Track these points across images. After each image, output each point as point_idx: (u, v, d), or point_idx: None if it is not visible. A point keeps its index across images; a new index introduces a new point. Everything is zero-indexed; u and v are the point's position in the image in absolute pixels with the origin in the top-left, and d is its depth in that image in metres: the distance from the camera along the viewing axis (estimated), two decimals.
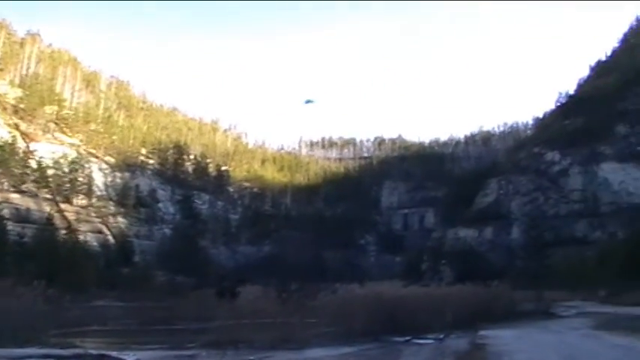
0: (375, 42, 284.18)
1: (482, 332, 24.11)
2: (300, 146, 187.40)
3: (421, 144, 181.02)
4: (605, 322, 30.23)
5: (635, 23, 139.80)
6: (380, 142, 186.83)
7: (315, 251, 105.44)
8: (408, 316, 24.09)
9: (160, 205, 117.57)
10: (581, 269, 76.55)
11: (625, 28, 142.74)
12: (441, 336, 22.46)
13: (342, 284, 55.17)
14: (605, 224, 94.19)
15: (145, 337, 25.48)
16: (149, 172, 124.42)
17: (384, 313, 23.45)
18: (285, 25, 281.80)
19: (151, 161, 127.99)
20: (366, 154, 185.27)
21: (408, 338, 21.50)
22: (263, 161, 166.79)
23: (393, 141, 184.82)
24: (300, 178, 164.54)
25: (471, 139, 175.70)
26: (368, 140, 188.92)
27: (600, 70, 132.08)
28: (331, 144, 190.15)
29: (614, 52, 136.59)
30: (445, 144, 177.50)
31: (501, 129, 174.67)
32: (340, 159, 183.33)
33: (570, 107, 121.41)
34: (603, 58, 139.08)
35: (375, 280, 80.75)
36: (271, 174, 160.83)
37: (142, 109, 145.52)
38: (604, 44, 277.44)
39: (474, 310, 27.95)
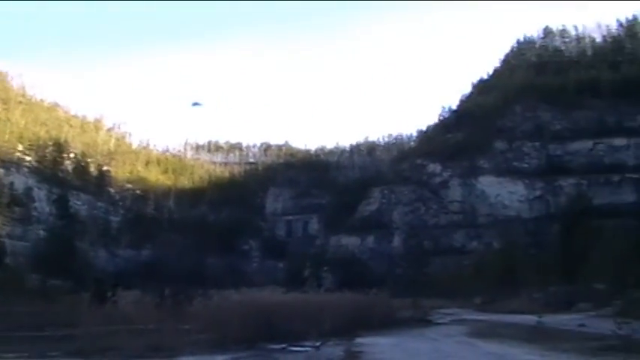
0: (264, 48, 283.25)
1: (359, 340, 24.15)
2: (185, 149, 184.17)
3: (307, 151, 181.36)
4: (479, 329, 31.11)
5: (515, 45, 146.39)
6: (266, 147, 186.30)
7: (196, 256, 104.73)
8: (285, 323, 23.82)
9: (36, 204, 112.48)
10: (459, 278, 79.08)
11: (507, 49, 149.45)
12: (318, 344, 22.18)
13: (223, 290, 54.34)
14: (482, 235, 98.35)
15: (7, 344, 23.94)
16: (25, 169, 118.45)
17: (259, 320, 23.09)
18: (174, 27, 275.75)
19: (28, 158, 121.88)
20: (252, 160, 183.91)
21: (283, 346, 21.20)
22: (147, 163, 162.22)
23: (279, 147, 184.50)
24: (184, 182, 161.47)
25: (356, 149, 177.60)
26: (254, 145, 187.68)
27: (482, 87, 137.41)
28: (217, 148, 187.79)
29: (495, 72, 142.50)
30: (331, 152, 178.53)
31: (386, 140, 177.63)
32: (226, 163, 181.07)
33: (452, 122, 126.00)
34: (485, 77, 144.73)
35: (258, 286, 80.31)
36: (155, 176, 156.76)
37: (20, 102, 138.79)
38: (486, 63, 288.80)
39: (352, 317, 27.89)
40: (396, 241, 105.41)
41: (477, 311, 54.76)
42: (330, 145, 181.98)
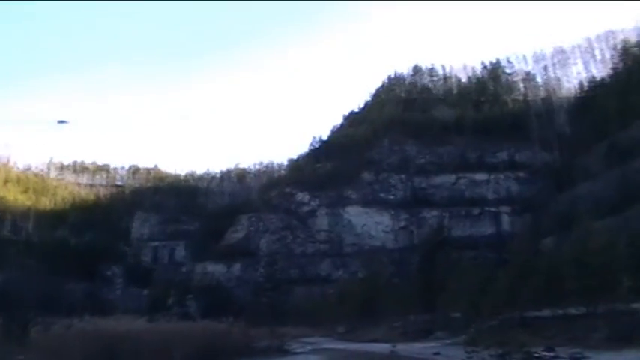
0: (134, 69, 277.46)
1: None
2: (49, 168, 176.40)
3: (177, 176, 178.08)
4: (334, 358, 31.19)
5: (386, 81, 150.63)
6: (134, 170, 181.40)
7: (54, 281, 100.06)
8: (131, 354, 22.89)
9: None
10: (323, 306, 79.52)
11: (378, 84, 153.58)
12: None
13: (81, 317, 51.96)
14: (348, 264, 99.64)
15: None
16: None
17: (102, 350, 22.07)
18: (39, 41, 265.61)
19: None
20: (119, 182, 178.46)
21: None
22: (6, 181, 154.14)
23: (148, 171, 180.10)
24: (46, 202, 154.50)
25: (226, 175, 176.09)
26: (122, 168, 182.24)
27: (352, 120, 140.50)
28: (83, 169, 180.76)
29: (366, 105, 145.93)
30: (201, 178, 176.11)
31: (257, 167, 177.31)
32: (92, 185, 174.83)
33: (322, 152, 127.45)
34: (356, 110, 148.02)
35: (121, 314, 77.47)
36: (14, 195, 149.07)
37: None
38: (357, 97, 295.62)
39: (205, 347, 27.06)
40: (262, 269, 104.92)
41: (339, 340, 55.16)
42: (200, 170, 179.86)
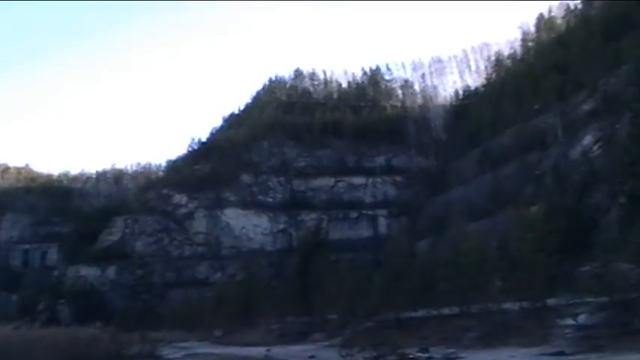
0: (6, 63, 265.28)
1: None
2: None
3: (50, 176, 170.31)
4: None
5: (267, 83, 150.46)
6: (4, 169, 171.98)
7: None
8: None
9: None
10: (201, 310, 78.27)
11: (259, 87, 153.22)
12: None
13: None
14: (226, 267, 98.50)
15: None
16: None
17: None
18: None
19: None
20: None
21: None
22: None
23: (18, 170, 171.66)
24: None
25: (102, 176, 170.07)
26: None
27: (232, 122, 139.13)
28: None
29: (247, 107, 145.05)
30: (75, 178, 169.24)
31: (134, 168, 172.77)
32: None
33: (201, 153, 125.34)
34: (236, 112, 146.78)
35: None
36: None
37: None
38: (238, 99, 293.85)
39: (68, 355, 25.85)
40: (138, 272, 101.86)
41: (215, 344, 54.55)
42: (74, 170, 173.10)
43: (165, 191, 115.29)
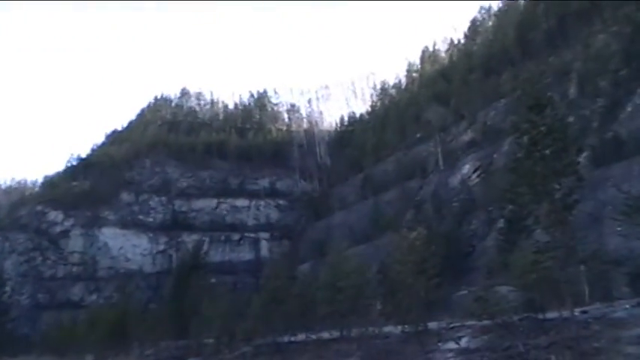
0: None
1: None
2: None
3: None
4: None
5: (153, 101, 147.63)
6: None
7: None
8: None
9: None
10: (73, 333, 74.83)
11: (143, 104, 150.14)
12: None
13: None
14: (102, 288, 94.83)
15: None
16: None
17: None
18: None
19: None
20: None
21: None
22: None
23: None
24: None
25: None
26: None
27: (115, 139, 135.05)
28: None
29: (130, 125, 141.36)
30: None
31: (8, 183, 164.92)
32: None
33: (80, 170, 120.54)
34: (119, 129, 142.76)
35: None
36: None
37: None
38: (122, 116, 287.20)
39: None
40: (8, 293, 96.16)
41: None
42: None
43: (39, 208, 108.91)
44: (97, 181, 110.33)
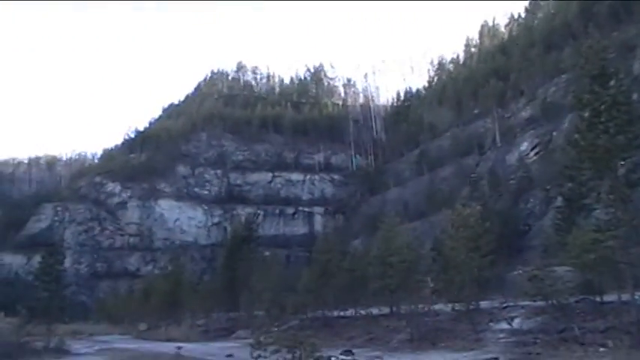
0: None
1: None
2: None
3: None
4: (118, 359, 29.00)
5: (209, 75, 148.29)
6: None
7: None
8: None
9: None
10: (129, 302, 76.09)
11: (200, 78, 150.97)
12: None
13: None
14: (158, 259, 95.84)
15: None
16: None
17: None
18: None
19: None
20: None
21: None
22: None
23: None
24: None
25: (35, 162, 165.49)
26: None
27: (172, 112, 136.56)
28: None
29: (187, 98, 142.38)
30: (5, 163, 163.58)
31: (68, 156, 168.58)
32: None
33: (137, 143, 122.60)
34: (176, 102, 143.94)
35: None
36: None
37: None
38: (179, 90, 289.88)
39: None
40: (67, 261, 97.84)
41: (138, 338, 52.77)
42: (4, 155, 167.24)
43: (98, 179, 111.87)
44: (154, 154, 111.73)
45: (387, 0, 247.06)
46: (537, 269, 32.55)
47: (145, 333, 60.07)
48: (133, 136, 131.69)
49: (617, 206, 24.89)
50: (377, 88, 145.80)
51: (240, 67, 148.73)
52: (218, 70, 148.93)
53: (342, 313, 51.14)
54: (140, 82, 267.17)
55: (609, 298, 28.43)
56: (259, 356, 21.10)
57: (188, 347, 35.49)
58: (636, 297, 24.62)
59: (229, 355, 30.97)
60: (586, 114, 25.84)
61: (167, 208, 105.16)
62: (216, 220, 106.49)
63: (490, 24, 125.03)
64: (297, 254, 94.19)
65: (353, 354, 33.36)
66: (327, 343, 33.64)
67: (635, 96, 25.84)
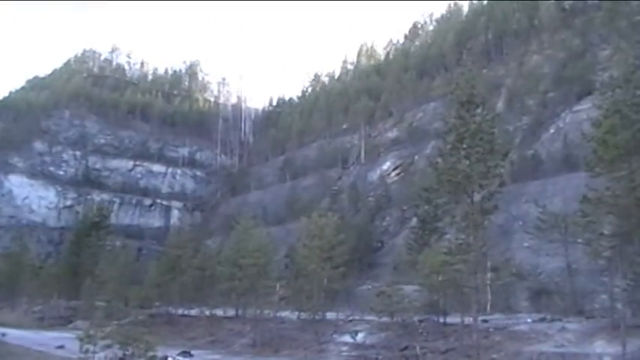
0: None
1: None
2: None
3: None
4: None
5: (81, 52, 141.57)
6: None
7: None
8: None
9: None
10: None
11: (71, 54, 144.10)
12: None
13: None
14: (0, 237, 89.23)
15: None
16: None
17: None
18: None
19: None
20: None
21: None
22: None
23: None
24: None
25: None
26: None
27: (35, 85, 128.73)
28: None
29: (54, 72, 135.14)
30: None
31: None
32: None
33: None
34: (42, 75, 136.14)
35: None
36: None
37: None
38: (46, 63, 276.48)
39: None
40: None
41: None
42: None
43: None
44: (10, 126, 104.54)
45: (274, 2, 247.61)
46: (386, 286, 33.21)
47: None
48: None
49: (470, 232, 25.72)
50: (250, 90, 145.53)
51: (114, 49, 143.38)
52: (91, 48, 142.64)
53: (186, 312, 50.31)
54: (4, 52, 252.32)
55: (452, 319, 29.26)
56: (88, 351, 19.99)
57: (16, 334, 33.50)
58: (478, 321, 25.49)
59: (60, 347, 29.50)
60: (450, 138, 26.56)
61: (17, 184, 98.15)
62: (68, 202, 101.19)
63: (369, 45, 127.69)
64: (150, 247, 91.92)
65: (192, 355, 32.62)
66: (168, 342, 32.88)
67: (496, 132, 26.74)
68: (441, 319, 31.28)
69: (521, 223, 41.99)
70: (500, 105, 64.03)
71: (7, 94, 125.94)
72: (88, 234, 63.19)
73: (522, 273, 33.14)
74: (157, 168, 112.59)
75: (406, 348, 28.40)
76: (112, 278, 50.70)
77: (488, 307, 32.94)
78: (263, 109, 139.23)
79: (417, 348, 27.27)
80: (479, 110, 26.31)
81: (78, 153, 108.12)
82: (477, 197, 25.77)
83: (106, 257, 55.19)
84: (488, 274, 28.37)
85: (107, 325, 31.36)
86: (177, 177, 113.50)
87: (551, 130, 56.42)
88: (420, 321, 31.22)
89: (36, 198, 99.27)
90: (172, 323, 47.97)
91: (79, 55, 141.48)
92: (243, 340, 37.82)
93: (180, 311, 50.33)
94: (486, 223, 26.37)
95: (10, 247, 70.57)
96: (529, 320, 28.85)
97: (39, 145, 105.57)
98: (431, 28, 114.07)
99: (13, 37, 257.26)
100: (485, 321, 28.27)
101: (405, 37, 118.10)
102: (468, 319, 27.02)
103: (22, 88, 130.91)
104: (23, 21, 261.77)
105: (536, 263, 36.88)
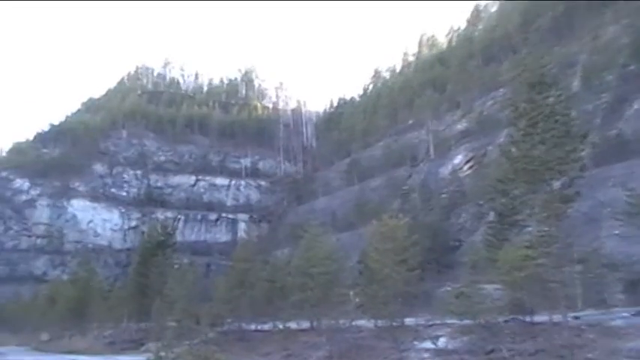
0: None
1: None
2: None
3: None
4: None
5: (133, 70, 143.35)
6: None
7: None
8: None
9: None
10: (31, 309, 71.35)
11: (124, 73, 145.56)
12: None
13: None
14: (68, 263, 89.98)
15: None
16: None
17: None
18: None
19: None
20: None
21: None
22: None
23: None
24: None
25: None
26: None
27: (91, 106, 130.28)
28: None
29: (108, 92, 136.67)
30: None
31: None
32: None
33: (51, 137, 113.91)
34: (96, 97, 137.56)
35: None
36: None
37: None
38: (100, 84, 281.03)
39: None
40: None
41: (36, 350, 49.12)
42: None
43: (4, 174, 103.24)
44: (69, 150, 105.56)
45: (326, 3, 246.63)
46: (465, 286, 30.84)
47: (46, 344, 56.16)
48: (46, 129, 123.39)
49: (551, 222, 23.59)
50: (310, 93, 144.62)
51: (166, 64, 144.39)
52: (143, 65, 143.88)
53: (259, 327, 48.82)
54: (59, 76, 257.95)
55: (540, 318, 27.11)
56: None
57: None
58: (568, 318, 23.19)
59: None
60: (522, 123, 24.55)
61: (80, 208, 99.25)
62: (133, 223, 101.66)
63: (429, 34, 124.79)
64: (218, 262, 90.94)
65: None
66: (241, 359, 31.39)
67: (573, 113, 24.33)
68: (528, 319, 28.87)
69: (609, 209, 38.85)
70: (575, 84, 60.28)
71: (63, 119, 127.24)
72: (154, 254, 62.18)
73: (615, 263, 30.45)
74: (220, 181, 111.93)
75: (492, 351, 26.18)
76: (181, 297, 49.42)
77: (579, 303, 30.41)
78: (324, 112, 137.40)
79: (504, 350, 25.09)
80: (552, 91, 23.99)
81: (139, 172, 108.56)
82: (556, 185, 23.59)
83: (174, 276, 54.02)
84: (576, 267, 25.98)
85: (178, 345, 29.99)
86: (242, 188, 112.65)
87: (635, 106, 52.49)
88: (505, 321, 28.91)
89: (100, 221, 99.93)
90: (245, 339, 46.48)
91: (132, 72, 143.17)
92: (319, 353, 36.00)
93: (252, 326, 48.83)
94: (569, 212, 24.04)
95: (78, 272, 70.75)
96: (625, 314, 26.24)
97: (99, 167, 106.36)
98: (494, 9, 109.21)
99: (65, 60, 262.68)
100: (576, 318, 25.78)
101: (467, 22, 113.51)
102: (557, 317, 24.76)
103: (78, 110, 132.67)
104: (74, 44, 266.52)
105: (629, 252, 33.83)
